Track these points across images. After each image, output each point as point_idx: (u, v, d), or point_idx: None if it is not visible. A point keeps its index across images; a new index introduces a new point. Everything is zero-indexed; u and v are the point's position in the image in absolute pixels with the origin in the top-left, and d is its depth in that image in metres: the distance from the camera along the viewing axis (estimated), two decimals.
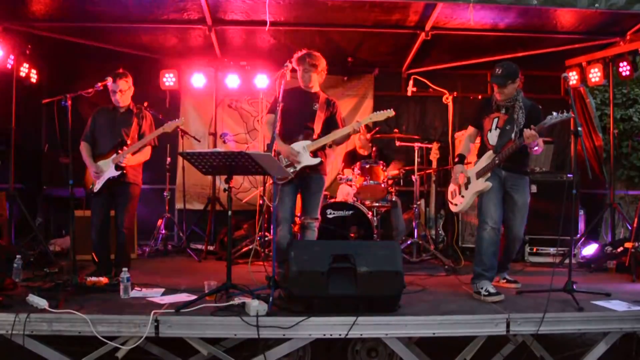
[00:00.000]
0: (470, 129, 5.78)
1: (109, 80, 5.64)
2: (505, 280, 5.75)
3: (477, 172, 5.49)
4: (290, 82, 5.54)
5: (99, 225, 5.85)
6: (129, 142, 5.86)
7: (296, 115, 5.65)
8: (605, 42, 7.94)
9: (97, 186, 5.80)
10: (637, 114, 9.81)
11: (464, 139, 5.83)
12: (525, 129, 5.07)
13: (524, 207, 5.48)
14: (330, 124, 5.83)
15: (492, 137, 5.47)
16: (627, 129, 9.79)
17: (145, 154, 6.02)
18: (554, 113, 4.93)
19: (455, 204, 5.79)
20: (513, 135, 5.28)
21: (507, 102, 5.38)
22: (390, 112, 5.76)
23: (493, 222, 5.30)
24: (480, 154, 5.61)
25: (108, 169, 5.79)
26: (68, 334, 4.18)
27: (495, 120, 5.46)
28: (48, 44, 7.76)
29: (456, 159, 5.76)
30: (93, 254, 5.92)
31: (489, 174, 5.39)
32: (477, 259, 5.36)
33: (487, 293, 4.98)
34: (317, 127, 5.75)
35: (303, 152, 5.61)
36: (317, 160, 5.67)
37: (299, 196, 5.76)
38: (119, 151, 5.78)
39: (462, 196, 5.65)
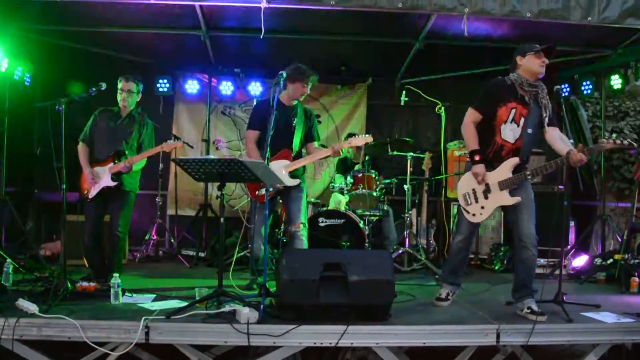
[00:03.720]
0: (477, 116, 4.98)
1: (103, 86, 5.60)
2: (530, 311, 4.74)
3: (500, 182, 4.90)
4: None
5: (92, 229, 5.85)
6: (127, 152, 5.87)
7: (274, 131, 5.45)
8: (597, 55, 8.00)
9: (92, 193, 5.80)
10: (629, 126, 9.85)
11: (471, 130, 5.00)
12: (575, 153, 4.62)
13: (528, 203, 4.89)
14: (307, 138, 5.91)
15: (508, 132, 4.89)
16: None
17: (142, 160, 6.03)
18: (613, 136, 4.57)
19: (474, 214, 5.06)
20: (533, 129, 4.87)
21: (534, 87, 4.89)
22: (369, 138, 5.87)
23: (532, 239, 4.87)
24: (482, 146, 4.97)
25: (104, 177, 5.78)
26: (58, 339, 4.16)
27: (513, 111, 4.86)
28: (42, 48, 7.75)
29: (476, 157, 4.94)
30: (84, 258, 5.90)
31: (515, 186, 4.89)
32: (529, 278, 4.89)
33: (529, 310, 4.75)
34: (296, 143, 5.81)
35: (282, 172, 5.60)
36: (296, 182, 5.73)
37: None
38: (116, 161, 5.78)
39: (482, 207, 5.00)
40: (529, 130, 4.90)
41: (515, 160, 4.89)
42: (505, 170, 4.90)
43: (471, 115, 5.01)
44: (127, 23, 7.26)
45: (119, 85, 5.93)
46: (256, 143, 5.83)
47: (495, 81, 5.08)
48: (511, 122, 4.88)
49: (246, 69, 8.62)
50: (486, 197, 4.98)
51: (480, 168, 4.92)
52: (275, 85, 5.29)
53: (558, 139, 4.92)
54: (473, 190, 5.06)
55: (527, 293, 4.89)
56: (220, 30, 7.57)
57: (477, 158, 4.94)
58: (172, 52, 8.39)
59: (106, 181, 5.79)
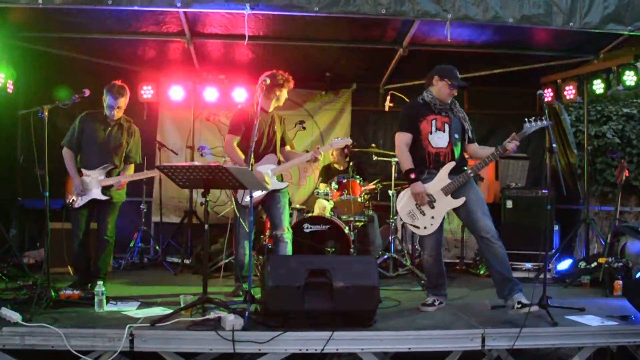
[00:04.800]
0: (407, 136, 5.23)
1: (86, 93, 5.52)
2: (520, 306, 4.75)
3: (443, 188, 5.12)
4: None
5: (80, 237, 5.82)
6: (117, 164, 5.89)
7: (260, 137, 5.70)
8: (579, 60, 8.07)
9: (79, 203, 5.75)
10: (611, 130, 9.95)
11: (403, 152, 5.24)
12: (508, 143, 4.98)
13: (477, 199, 5.09)
14: (282, 142, 6.01)
15: (437, 140, 5.17)
16: (601, 145, 9.92)
17: (130, 171, 6.06)
18: (531, 121, 4.95)
19: (425, 227, 5.20)
20: (458, 135, 5.25)
21: (446, 105, 5.25)
22: (349, 141, 5.96)
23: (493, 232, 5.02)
24: (420, 162, 5.20)
25: (94, 189, 5.74)
26: (41, 348, 4.13)
27: (434, 122, 5.18)
28: (25, 54, 7.69)
29: (412, 175, 5.15)
30: (71, 266, 5.87)
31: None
32: (506, 270, 4.97)
33: (519, 305, 4.76)
34: (276, 148, 5.90)
35: (270, 175, 5.64)
36: (284, 185, 5.84)
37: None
38: (107, 175, 5.76)
39: (432, 217, 5.16)
40: (456, 136, 5.25)
41: (451, 165, 5.15)
42: (443, 176, 5.15)
43: (400, 139, 5.29)
44: (110, 29, 7.23)
45: (108, 102, 5.80)
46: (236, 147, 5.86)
47: (410, 103, 5.57)
48: (437, 131, 5.20)
49: (230, 75, 8.60)
50: (433, 207, 5.19)
51: (418, 187, 5.14)
52: (259, 92, 5.33)
53: (479, 149, 5.39)
54: (417, 205, 5.22)
55: (512, 286, 4.92)
56: (204, 37, 7.56)
57: (412, 176, 5.17)
58: (156, 59, 8.37)
59: (96, 194, 5.76)
